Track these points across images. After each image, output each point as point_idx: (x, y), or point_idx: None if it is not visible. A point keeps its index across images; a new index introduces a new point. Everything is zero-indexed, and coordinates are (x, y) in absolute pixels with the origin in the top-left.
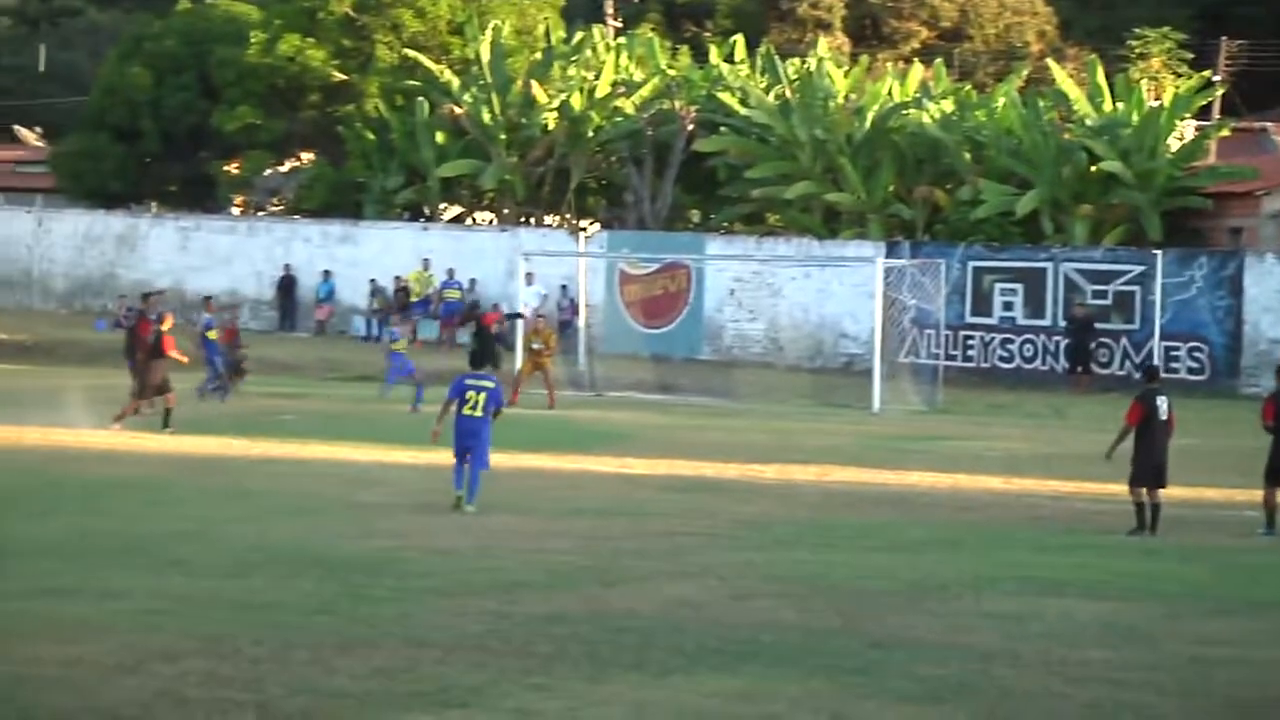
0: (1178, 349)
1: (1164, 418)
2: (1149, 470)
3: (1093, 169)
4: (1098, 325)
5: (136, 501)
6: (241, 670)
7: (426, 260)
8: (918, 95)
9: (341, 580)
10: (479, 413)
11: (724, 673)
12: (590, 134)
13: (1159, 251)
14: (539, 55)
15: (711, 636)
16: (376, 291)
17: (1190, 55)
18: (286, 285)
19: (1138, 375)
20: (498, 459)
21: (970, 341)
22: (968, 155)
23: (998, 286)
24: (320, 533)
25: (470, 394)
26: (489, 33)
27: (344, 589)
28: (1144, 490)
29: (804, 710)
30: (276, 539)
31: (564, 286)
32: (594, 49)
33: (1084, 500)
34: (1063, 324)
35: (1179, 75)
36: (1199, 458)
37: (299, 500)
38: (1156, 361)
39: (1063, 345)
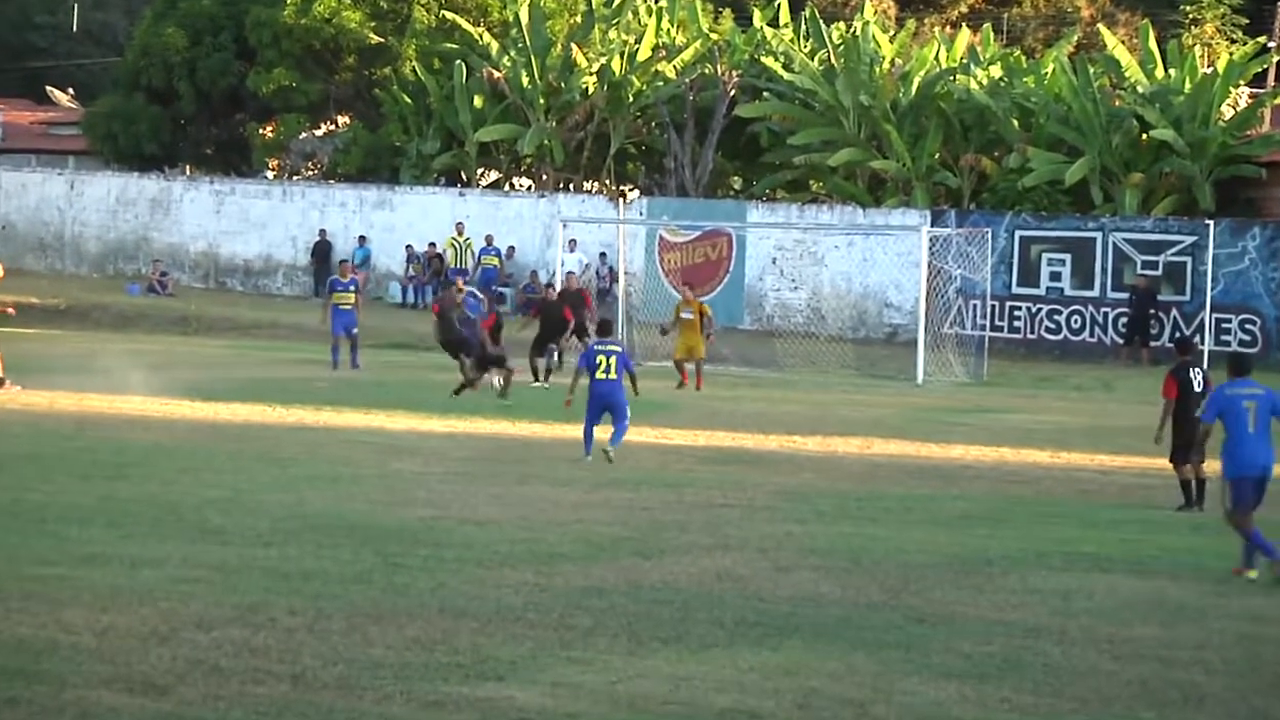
0: (1229, 321)
1: (1199, 390)
2: (1189, 445)
3: (1144, 137)
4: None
5: (170, 468)
6: (276, 639)
7: (460, 225)
8: (965, 61)
9: (377, 550)
10: (613, 375)
11: (764, 647)
12: (630, 99)
13: (1211, 222)
14: (579, 18)
15: (751, 610)
16: (413, 258)
17: (1244, 21)
18: (321, 251)
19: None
20: (532, 428)
21: (1017, 313)
22: (1015, 122)
23: (1045, 257)
24: (355, 501)
25: (600, 359)
26: None
27: (380, 559)
28: (1188, 466)
29: (845, 685)
30: (311, 507)
31: (603, 254)
32: (635, 12)
33: (1132, 475)
34: (1111, 295)
35: (1233, 41)
36: None
37: (333, 468)
38: (1207, 334)
39: (1112, 316)
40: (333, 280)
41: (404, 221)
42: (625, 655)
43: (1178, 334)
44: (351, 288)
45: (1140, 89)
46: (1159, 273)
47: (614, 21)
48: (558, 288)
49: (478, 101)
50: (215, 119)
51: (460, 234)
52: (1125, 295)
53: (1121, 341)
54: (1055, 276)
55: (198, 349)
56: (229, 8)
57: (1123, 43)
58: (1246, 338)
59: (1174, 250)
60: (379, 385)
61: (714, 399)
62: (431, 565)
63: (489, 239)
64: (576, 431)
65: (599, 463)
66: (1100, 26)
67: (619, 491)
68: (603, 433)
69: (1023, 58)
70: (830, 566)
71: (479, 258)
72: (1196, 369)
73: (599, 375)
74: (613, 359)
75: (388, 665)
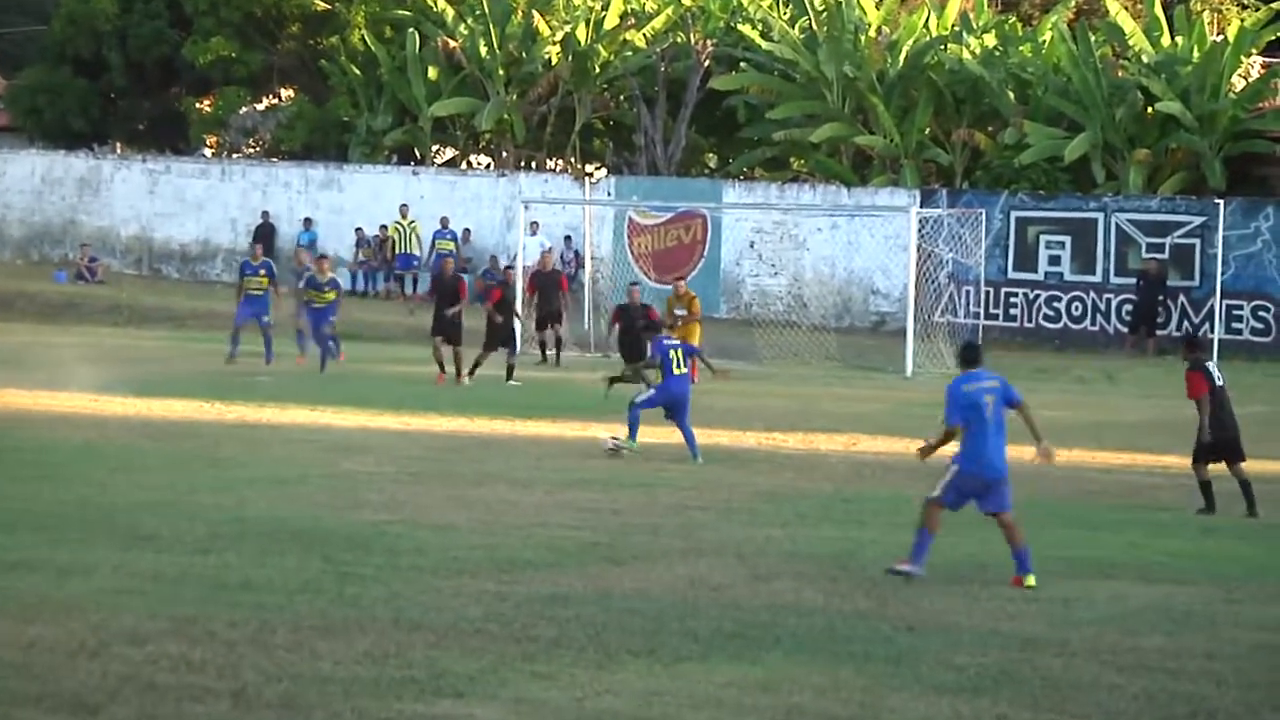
0: (1241, 308)
1: (1221, 383)
2: (1220, 444)
3: (1149, 110)
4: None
5: (100, 469)
6: (216, 654)
7: (404, 207)
8: (956, 28)
9: (325, 557)
10: (683, 369)
11: (742, 660)
12: (597, 70)
13: (1221, 201)
14: None
15: (728, 620)
16: (363, 242)
17: None
18: (264, 234)
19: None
20: (491, 425)
21: (1013, 299)
22: (1011, 95)
23: (1043, 239)
24: (301, 505)
25: (673, 353)
26: None
27: (328, 567)
28: (1208, 468)
29: (830, 701)
30: (253, 511)
31: (568, 237)
32: None
33: (1137, 473)
34: (1114, 280)
35: (1244, 7)
36: (1265, 426)
37: (278, 469)
38: (1218, 321)
39: (1116, 303)
40: (243, 263)
41: (353, 203)
42: (592, 669)
43: (1185, 322)
44: (262, 271)
45: (1145, 58)
46: (1166, 256)
47: None
48: (518, 270)
49: (432, 73)
50: (148, 92)
51: (405, 217)
52: (1131, 280)
53: (1126, 330)
54: (1054, 260)
55: (130, 341)
56: None
57: (1126, 8)
58: (1259, 325)
59: (1181, 232)
60: (327, 380)
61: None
62: (384, 573)
63: (444, 221)
64: (537, 428)
65: (565, 459)
66: None
67: (585, 492)
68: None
69: (1019, 25)
70: (813, 573)
71: (433, 241)
72: (1210, 363)
73: (676, 371)
74: (679, 350)
75: (336, 681)
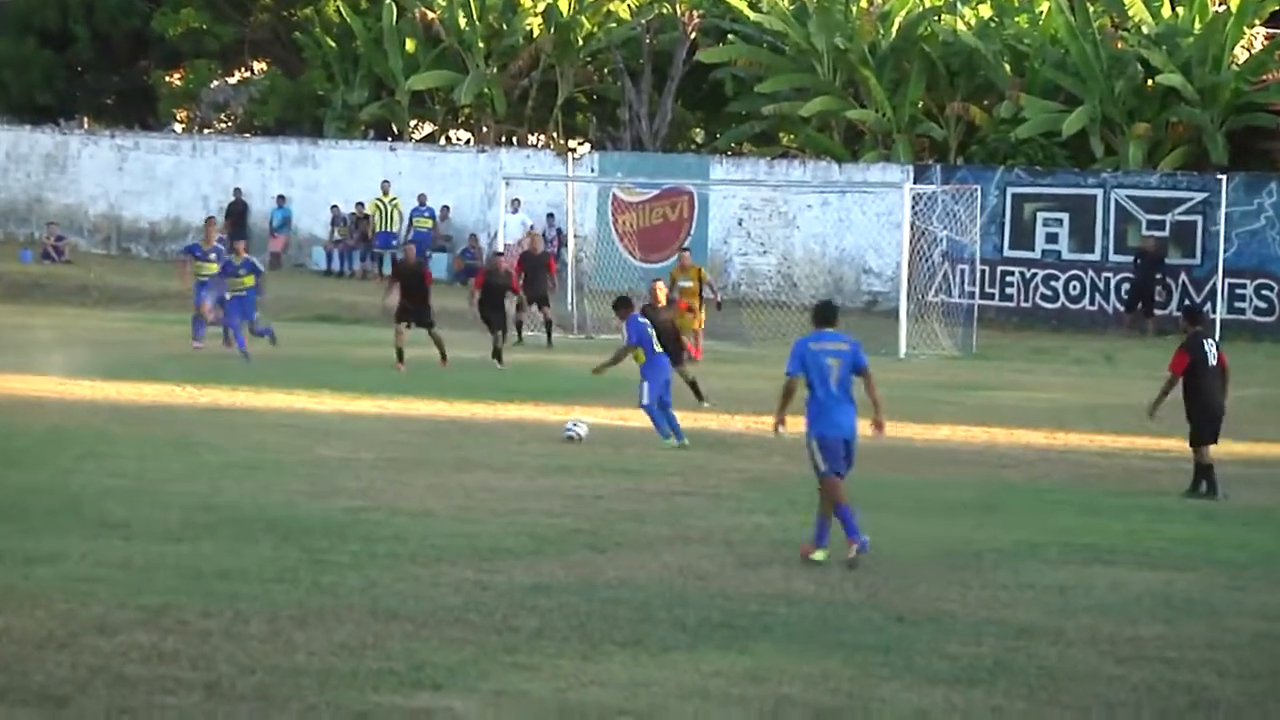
0: (1244, 286)
1: (1213, 363)
2: (1206, 425)
3: (1149, 83)
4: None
5: (68, 455)
6: (188, 645)
7: (386, 184)
8: None
9: (300, 545)
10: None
11: (730, 650)
12: (580, 42)
13: (1223, 176)
14: None
15: (716, 609)
16: (338, 220)
17: None
18: (236, 212)
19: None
20: (474, 409)
21: (1009, 278)
22: (1007, 67)
23: (1041, 216)
24: (276, 492)
25: (649, 331)
26: None
27: (303, 555)
28: (1209, 449)
29: (820, 692)
30: (226, 498)
31: (550, 215)
32: None
33: (1136, 457)
34: (1114, 258)
35: None
36: (1268, 408)
37: (252, 455)
38: (1219, 300)
39: (1115, 281)
40: (192, 246)
41: (328, 179)
42: (576, 660)
43: (1186, 301)
44: (213, 256)
45: (1145, 29)
46: (1166, 233)
47: None
48: (504, 251)
49: (409, 45)
50: (116, 65)
51: (386, 194)
52: (1129, 258)
53: (1123, 309)
54: (1052, 238)
55: (99, 322)
56: None
57: None
58: (1262, 304)
59: (1182, 208)
60: (302, 363)
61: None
62: (361, 562)
63: (421, 199)
64: (519, 412)
65: (547, 443)
66: None
67: (568, 478)
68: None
69: None
70: (803, 561)
71: (410, 219)
72: (1210, 340)
73: (656, 349)
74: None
75: (312, 673)
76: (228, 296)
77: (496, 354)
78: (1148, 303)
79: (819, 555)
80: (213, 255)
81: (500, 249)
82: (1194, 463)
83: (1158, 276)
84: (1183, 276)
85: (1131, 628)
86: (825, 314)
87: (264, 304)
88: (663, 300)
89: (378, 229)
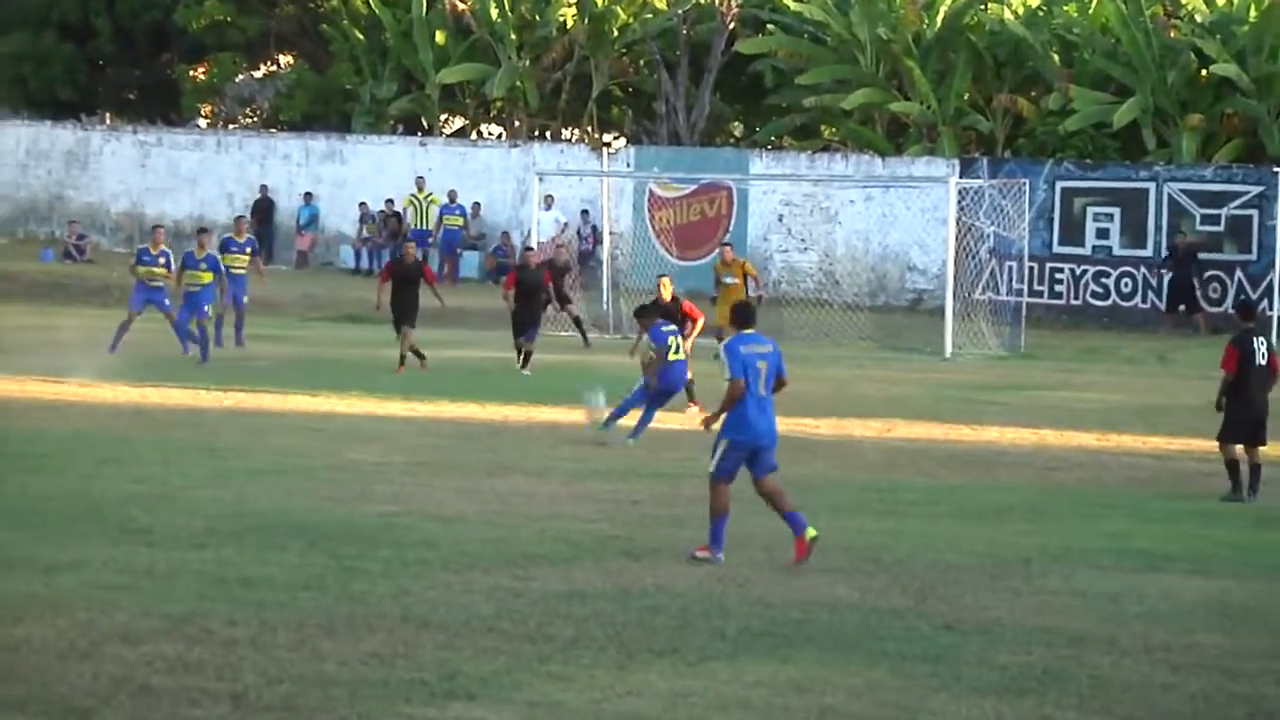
0: None
1: (1262, 362)
2: (1244, 425)
3: (1203, 73)
4: (1202, 256)
5: (89, 460)
6: (214, 654)
7: (421, 179)
8: None
9: (329, 552)
10: (682, 356)
11: (772, 659)
12: (615, 33)
13: None
14: None
15: (757, 617)
16: (367, 217)
17: None
18: (262, 210)
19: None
20: (504, 412)
21: (1059, 275)
22: (1056, 57)
23: (1091, 211)
24: (303, 496)
25: (671, 339)
26: None
27: (332, 562)
28: (1238, 448)
29: (865, 703)
30: (252, 504)
31: (584, 211)
32: None
33: (1191, 460)
34: (1164, 255)
35: None
36: None
37: (278, 459)
38: (1276, 297)
39: (1169, 278)
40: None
41: (356, 175)
42: (613, 670)
43: (1241, 297)
44: (162, 261)
45: (1199, 17)
46: (1221, 228)
47: None
48: (536, 250)
49: (440, 38)
50: (138, 59)
51: (421, 190)
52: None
53: (1164, 309)
54: (1102, 233)
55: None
56: None
57: None
58: None
59: (1238, 202)
60: (329, 364)
61: (713, 377)
62: (391, 569)
63: (452, 195)
64: (553, 414)
65: (582, 447)
66: None
67: (604, 483)
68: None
69: None
70: (847, 568)
71: (440, 217)
72: (1260, 338)
73: (672, 357)
74: (677, 337)
75: (341, 683)
76: (191, 289)
77: (525, 358)
78: (1189, 300)
79: (701, 554)
80: (161, 259)
81: (532, 245)
82: (1224, 461)
83: (1195, 273)
84: (1238, 273)
85: (1187, 636)
86: (746, 315)
87: (220, 310)
88: (668, 296)
89: (412, 226)
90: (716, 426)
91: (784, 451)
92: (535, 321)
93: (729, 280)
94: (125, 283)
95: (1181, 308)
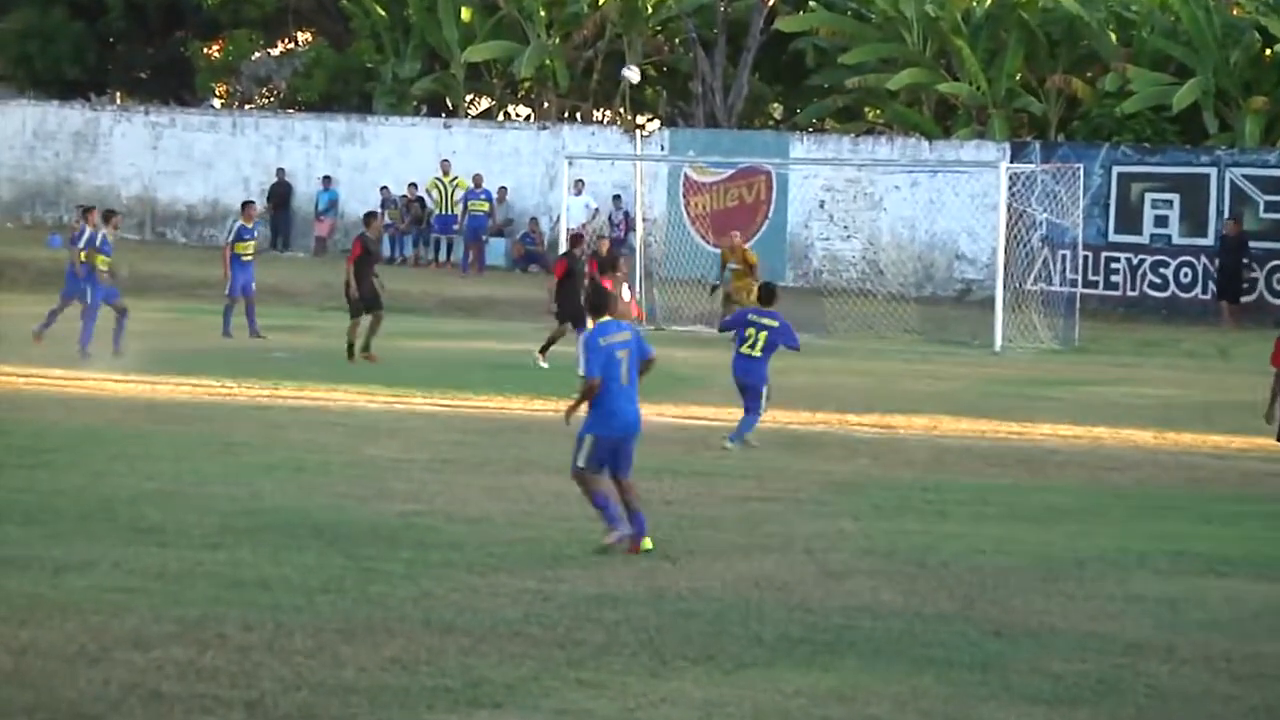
0: None
1: None
2: None
3: (1267, 52)
4: (1265, 245)
5: (99, 456)
6: (228, 660)
7: (446, 163)
8: None
9: (348, 553)
10: (757, 352)
11: (812, 667)
12: (649, 10)
13: None
14: None
15: (796, 623)
16: (389, 202)
17: None
18: (279, 194)
19: None
20: (530, 405)
21: (1114, 265)
22: (1113, 36)
23: (1149, 197)
24: (322, 495)
25: (750, 330)
26: None
27: (351, 563)
28: None
29: (910, 712)
30: (269, 502)
31: (617, 197)
32: None
33: (1254, 459)
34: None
35: None
36: None
37: (296, 455)
38: None
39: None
40: (239, 227)
41: (378, 159)
42: (645, 677)
43: None
44: (249, 236)
45: None
46: (1247, 213)
47: None
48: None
49: (465, 14)
50: (151, 37)
51: (446, 174)
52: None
53: (1215, 299)
54: (1161, 221)
55: (132, 313)
56: None
57: None
58: None
59: None
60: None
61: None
62: (413, 571)
63: (478, 179)
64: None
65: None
66: None
67: (638, 481)
68: None
69: None
70: (891, 571)
71: (465, 203)
72: None
73: (742, 350)
74: (763, 334)
75: (361, 690)
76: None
77: (545, 347)
78: (1234, 290)
79: (629, 542)
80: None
81: (581, 230)
82: None
83: (1245, 261)
84: None
85: (1249, 645)
86: (601, 302)
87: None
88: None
89: (437, 211)
90: (578, 419)
91: (822, 449)
92: (575, 313)
93: (733, 266)
94: (138, 270)
95: (1227, 299)
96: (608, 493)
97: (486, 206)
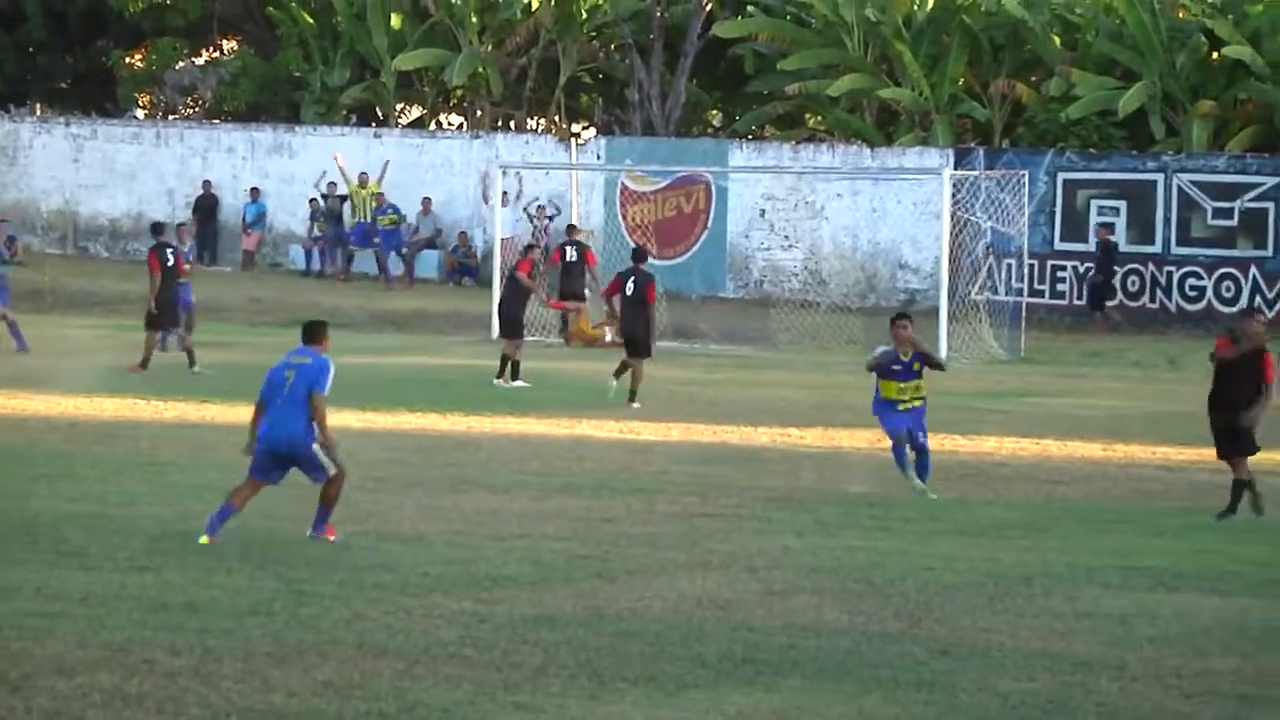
0: None
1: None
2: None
3: (1214, 56)
4: (1217, 253)
5: (20, 477)
6: (155, 686)
7: (364, 176)
8: None
9: (278, 574)
10: (915, 404)
11: (755, 687)
12: (584, 16)
13: None
14: None
15: (739, 643)
16: (317, 214)
17: None
18: (205, 207)
19: (1269, 314)
20: (467, 423)
21: (1061, 274)
22: (1057, 40)
23: (1095, 204)
24: (251, 515)
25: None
26: None
27: (281, 585)
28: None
29: None
30: (196, 523)
31: (548, 206)
32: None
33: (1204, 471)
34: (1175, 251)
35: None
36: None
37: (223, 475)
38: None
39: (1178, 276)
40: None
41: (306, 170)
42: (584, 699)
43: (1258, 297)
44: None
45: None
46: (1234, 222)
47: None
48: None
49: (395, 21)
50: (71, 46)
51: (363, 186)
52: (1193, 251)
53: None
54: (1108, 229)
55: (54, 330)
56: None
57: None
58: None
59: (1252, 194)
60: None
61: (691, 384)
62: (346, 592)
63: (379, 200)
64: (521, 426)
65: (552, 460)
66: None
67: (575, 499)
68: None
69: None
70: (836, 589)
71: (373, 219)
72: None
73: (892, 400)
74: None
75: (292, 715)
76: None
77: (512, 369)
78: (1101, 299)
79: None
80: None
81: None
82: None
83: (1114, 270)
84: (1253, 270)
85: (1202, 660)
86: (309, 332)
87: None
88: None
89: (357, 219)
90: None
91: (765, 464)
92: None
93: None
94: (60, 287)
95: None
96: (238, 507)
97: (393, 219)
